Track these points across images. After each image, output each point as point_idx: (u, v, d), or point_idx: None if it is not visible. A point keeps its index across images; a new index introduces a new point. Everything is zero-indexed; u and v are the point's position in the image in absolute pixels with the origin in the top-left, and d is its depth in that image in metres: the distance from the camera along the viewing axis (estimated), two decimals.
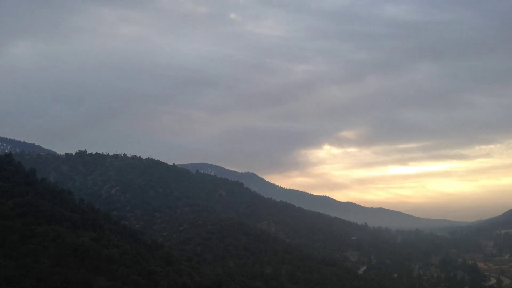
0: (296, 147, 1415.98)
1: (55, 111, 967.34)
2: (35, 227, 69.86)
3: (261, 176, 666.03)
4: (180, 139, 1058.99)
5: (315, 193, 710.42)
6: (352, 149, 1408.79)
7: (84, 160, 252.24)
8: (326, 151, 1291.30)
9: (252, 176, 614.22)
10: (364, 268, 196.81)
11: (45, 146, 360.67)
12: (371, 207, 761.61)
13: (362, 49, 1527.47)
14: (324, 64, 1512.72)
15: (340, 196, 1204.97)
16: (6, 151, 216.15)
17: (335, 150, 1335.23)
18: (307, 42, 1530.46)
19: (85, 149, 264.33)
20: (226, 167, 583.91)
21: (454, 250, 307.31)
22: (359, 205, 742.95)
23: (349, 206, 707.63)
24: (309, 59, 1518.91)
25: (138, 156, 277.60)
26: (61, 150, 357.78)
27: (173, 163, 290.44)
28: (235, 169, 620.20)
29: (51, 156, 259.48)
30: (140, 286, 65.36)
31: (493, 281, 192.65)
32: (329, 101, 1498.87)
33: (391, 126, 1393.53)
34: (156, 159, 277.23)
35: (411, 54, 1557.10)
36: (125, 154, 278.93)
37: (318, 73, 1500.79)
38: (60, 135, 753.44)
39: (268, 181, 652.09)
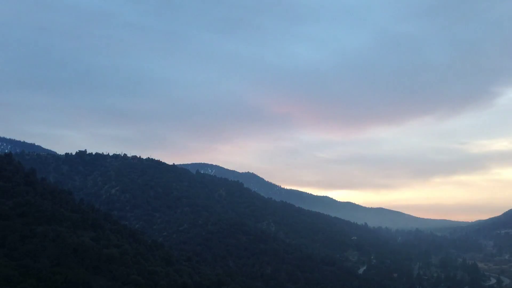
0: None
1: None
2: (35, 227, 69.86)
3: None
4: None
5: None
6: None
7: (84, 160, 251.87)
8: None
9: (252, 176, 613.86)
10: (364, 268, 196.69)
11: (45, 146, 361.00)
12: (371, 207, 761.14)
13: None
14: None
15: None
16: (6, 151, 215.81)
17: None
18: None
19: (85, 149, 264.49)
20: (226, 167, 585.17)
21: (454, 250, 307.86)
22: (359, 205, 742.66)
23: (349, 206, 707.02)
24: None
25: (138, 156, 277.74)
26: (61, 150, 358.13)
27: (173, 163, 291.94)
28: (235, 169, 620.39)
29: (51, 156, 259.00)
30: (140, 286, 65.40)
31: (493, 281, 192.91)
32: None
33: None
34: (156, 159, 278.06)
35: None
36: (125, 154, 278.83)
37: None
38: None
39: (268, 181, 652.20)
